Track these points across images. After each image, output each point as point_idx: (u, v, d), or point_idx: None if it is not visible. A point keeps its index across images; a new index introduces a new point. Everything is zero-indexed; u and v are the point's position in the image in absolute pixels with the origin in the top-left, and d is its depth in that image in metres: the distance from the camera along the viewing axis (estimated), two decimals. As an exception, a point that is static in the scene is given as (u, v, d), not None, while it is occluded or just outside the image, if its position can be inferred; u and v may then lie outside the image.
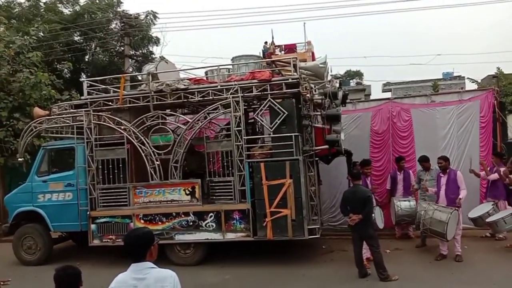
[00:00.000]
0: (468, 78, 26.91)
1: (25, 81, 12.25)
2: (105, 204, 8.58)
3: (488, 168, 8.82)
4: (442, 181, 7.85)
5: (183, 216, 8.16)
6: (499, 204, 8.44)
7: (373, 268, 6.89)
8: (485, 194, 9.13)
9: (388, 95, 30.09)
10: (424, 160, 8.74)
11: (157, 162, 8.33)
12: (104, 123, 8.71)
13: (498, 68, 23.09)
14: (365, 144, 10.18)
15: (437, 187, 8.01)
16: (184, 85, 8.39)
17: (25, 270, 8.71)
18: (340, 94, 8.22)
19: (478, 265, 7.26)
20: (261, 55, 10.34)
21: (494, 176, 8.50)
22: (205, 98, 8.29)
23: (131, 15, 19.15)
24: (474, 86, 22.95)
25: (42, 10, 18.91)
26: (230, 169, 8.04)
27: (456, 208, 7.38)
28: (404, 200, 8.79)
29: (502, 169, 8.50)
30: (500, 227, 7.90)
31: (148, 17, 19.90)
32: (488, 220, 7.99)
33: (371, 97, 27.70)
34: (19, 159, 9.44)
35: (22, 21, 17.29)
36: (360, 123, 10.30)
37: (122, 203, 8.48)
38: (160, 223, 8.20)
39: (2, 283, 7.50)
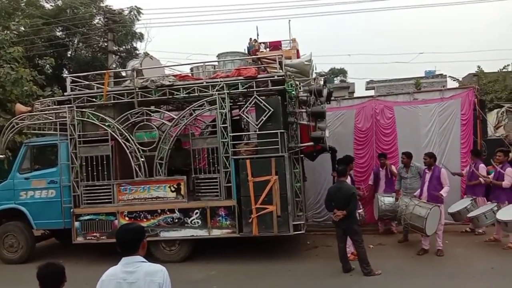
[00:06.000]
0: (449, 76, 27.40)
1: (5, 77, 12.00)
2: (89, 201, 8.49)
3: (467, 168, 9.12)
4: (426, 177, 8.02)
5: (168, 213, 8.14)
6: (478, 200, 8.65)
7: (356, 263, 6.99)
8: (465, 190, 9.32)
9: (371, 93, 30.30)
10: (405, 154, 8.81)
11: (142, 159, 8.28)
12: (88, 120, 8.61)
13: (479, 67, 23.58)
14: (349, 141, 10.28)
15: (421, 183, 8.19)
16: (169, 81, 8.35)
17: (7, 269, 8.58)
18: (325, 91, 8.29)
19: (458, 259, 7.43)
20: (246, 52, 10.30)
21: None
22: (191, 95, 8.27)
23: (114, 10, 18.92)
24: (456, 84, 23.39)
25: (22, 4, 18.51)
26: (216, 166, 8.05)
27: (437, 205, 7.53)
28: (388, 196, 8.94)
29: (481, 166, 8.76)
30: (481, 222, 8.10)
31: (132, 13, 19.67)
32: (469, 215, 8.20)
33: (355, 95, 27.91)
34: (0, 156, 9.25)
35: (2, 15, 16.90)
36: (344, 120, 10.39)
37: (107, 200, 8.41)
38: (145, 220, 8.16)
39: None
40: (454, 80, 25.43)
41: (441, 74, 33.65)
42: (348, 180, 7.63)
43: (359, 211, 7.89)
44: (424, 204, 7.66)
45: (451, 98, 10.00)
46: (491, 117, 13.95)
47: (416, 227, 7.63)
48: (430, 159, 8.01)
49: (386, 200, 8.85)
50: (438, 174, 7.86)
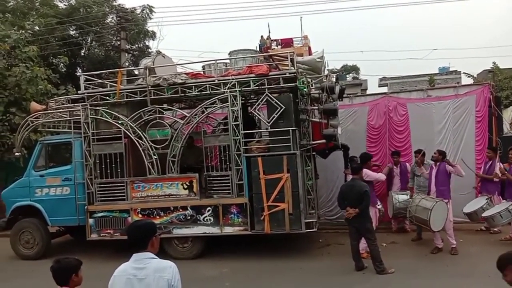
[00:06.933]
0: (464, 72, 27.10)
1: (21, 76, 12.21)
2: (102, 198, 8.59)
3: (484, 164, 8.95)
4: (433, 173, 8.01)
5: (181, 210, 8.19)
6: (493, 199, 8.52)
7: (369, 261, 6.95)
8: (479, 188, 9.19)
9: (384, 89, 30.11)
10: (418, 153, 8.81)
11: (155, 157, 8.34)
12: (101, 118, 8.70)
13: (494, 63, 23.27)
14: (362, 139, 10.20)
15: (429, 179, 8.13)
16: (182, 79, 8.39)
17: (23, 264, 8.73)
18: (337, 88, 8.23)
19: (473, 258, 7.34)
20: (258, 49, 10.30)
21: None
22: (203, 93, 8.30)
23: (127, 9, 19.06)
24: (470, 81, 23.12)
25: (37, 3, 18.78)
26: (228, 163, 8.07)
27: (444, 200, 7.47)
28: (402, 194, 8.87)
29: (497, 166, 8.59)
30: (496, 222, 7.97)
31: (144, 11, 19.84)
32: (484, 215, 8.07)
33: (368, 92, 27.70)
34: (16, 154, 9.43)
35: (17, 15, 17.16)
36: (356, 117, 10.31)
37: (120, 198, 8.49)
38: (158, 217, 8.23)
39: None
40: (468, 77, 25.13)
41: (455, 71, 33.25)
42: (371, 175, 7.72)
43: (378, 206, 7.86)
44: (431, 198, 7.68)
45: (465, 94, 9.85)
46: (507, 114, 13.76)
47: (420, 220, 7.58)
48: (439, 155, 7.98)
49: (400, 198, 8.78)
50: (444, 168, 7.84)
